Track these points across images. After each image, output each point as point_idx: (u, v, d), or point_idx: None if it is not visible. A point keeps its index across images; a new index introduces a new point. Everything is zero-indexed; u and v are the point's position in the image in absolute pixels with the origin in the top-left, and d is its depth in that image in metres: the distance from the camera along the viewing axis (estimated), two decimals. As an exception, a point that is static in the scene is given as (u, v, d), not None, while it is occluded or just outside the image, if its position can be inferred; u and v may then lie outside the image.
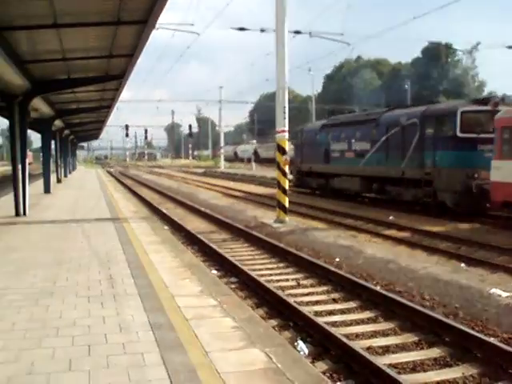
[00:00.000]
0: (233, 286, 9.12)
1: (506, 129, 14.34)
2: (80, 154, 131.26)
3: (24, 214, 15.04)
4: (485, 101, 17.23)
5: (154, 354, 4.57)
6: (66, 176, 40.15)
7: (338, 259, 11.30)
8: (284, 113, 16.48)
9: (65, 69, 14.49)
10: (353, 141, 22.61)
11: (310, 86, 74.83)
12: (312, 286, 9.33)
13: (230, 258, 10.75)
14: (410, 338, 6.69)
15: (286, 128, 16.60)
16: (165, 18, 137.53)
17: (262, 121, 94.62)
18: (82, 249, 9.49)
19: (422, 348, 6.40)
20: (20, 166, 15.01)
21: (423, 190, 17.62)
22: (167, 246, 10.03)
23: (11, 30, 9.81)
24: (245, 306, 6.57)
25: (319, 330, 6.65)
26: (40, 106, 19.76)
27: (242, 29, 25.94)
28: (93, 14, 9.62)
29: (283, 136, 16.60)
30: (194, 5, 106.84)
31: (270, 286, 8.68)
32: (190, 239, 13.65)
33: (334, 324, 7.24)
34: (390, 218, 17.09)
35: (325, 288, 9.09)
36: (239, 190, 29.31)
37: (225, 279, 9.57)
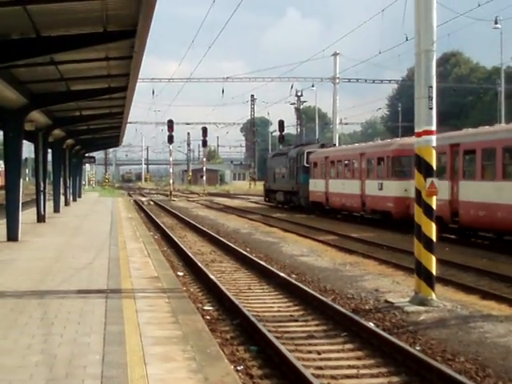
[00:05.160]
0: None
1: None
2: (96, 171, 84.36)
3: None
4: None
5: None
6: (57, 211, 24.58)
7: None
8: (430, 99, 8.81)
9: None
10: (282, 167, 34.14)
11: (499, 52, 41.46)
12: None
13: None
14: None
15: (433, 127, 8.89)
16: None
17: (409, 112, 35.92)
18: (25, 355, 5.02)
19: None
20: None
21: None
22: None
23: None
24: None
25: None
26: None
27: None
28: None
29: (427, 142, 8.95)
30: None
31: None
32: (245, 332, 6.32)
33: None
34: None
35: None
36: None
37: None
